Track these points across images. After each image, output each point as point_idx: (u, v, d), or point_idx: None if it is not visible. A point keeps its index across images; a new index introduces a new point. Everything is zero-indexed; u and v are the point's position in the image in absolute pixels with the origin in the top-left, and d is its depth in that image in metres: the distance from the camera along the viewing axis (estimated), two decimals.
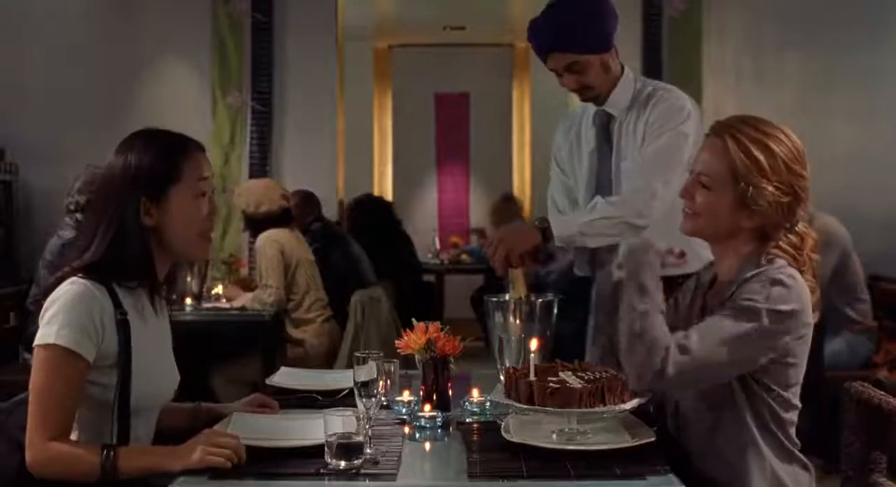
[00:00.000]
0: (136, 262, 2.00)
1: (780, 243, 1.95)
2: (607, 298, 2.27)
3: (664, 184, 2.57)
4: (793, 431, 1.95)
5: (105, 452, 1.84)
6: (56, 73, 5.99)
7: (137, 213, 1.98)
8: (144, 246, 2.00)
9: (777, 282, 1.86)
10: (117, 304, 1.96)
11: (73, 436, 1.95)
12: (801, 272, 1.93)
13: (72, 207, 4.51)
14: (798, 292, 1.87)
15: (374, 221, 6.09)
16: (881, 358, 4.41)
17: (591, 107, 2.83)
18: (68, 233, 4.42)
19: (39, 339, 1.91)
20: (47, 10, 6.03)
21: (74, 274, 1.96)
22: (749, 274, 1.90)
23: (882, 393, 1.91)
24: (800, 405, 1.95)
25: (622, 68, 2.77)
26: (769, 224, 1.93)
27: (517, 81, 9.90)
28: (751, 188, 1.90)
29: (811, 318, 1.91)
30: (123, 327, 1.95)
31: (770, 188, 1.89)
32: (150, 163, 1.99)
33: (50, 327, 1.90)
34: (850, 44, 5.81)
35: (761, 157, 1.90)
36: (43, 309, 1.94)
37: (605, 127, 2.80)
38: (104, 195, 2.03)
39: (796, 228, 1.96)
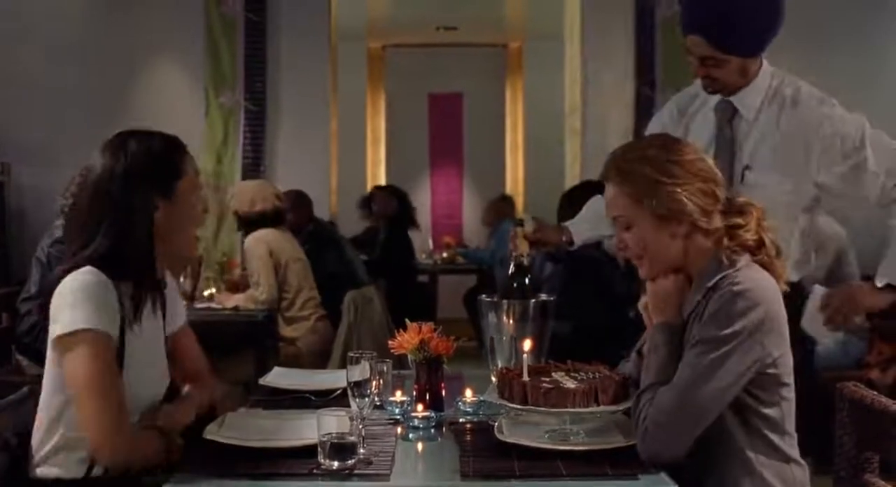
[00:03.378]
0: (141, 258, 1.99)
1: (734, 235, 1.92)
2: None
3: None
4: (788, 425, 1.93)
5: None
6: (48, 73, 5.96)
7: (149, 210, 1.98)
8: (150, 242, 2.00)
9: (736, 296, 1.83)
10: (120, 301, 1.95)
11: (61, 431, 1.92)
12: (760, 255, 1.91)
13: (66, 209, 4.50)
14: (758, 294, 1.84)
15: (396, 210, 6.58)
16: (873, 358, 4.41)
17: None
18: (60, 233, 4.41)
19: (67, 327, 1.86)
20: (40, 9, 6.01)
21: (80, 267, 1.93)
22: (711, 283, 1.87)
23: (874, 392, 1.92)
24: (791, 395, 1.93)
25: (760, 65, 2.59)
26: (697, 216, 1.90)
27: (510, 82, 9.92)
28: (654, 200, 1.90)
29: (780, 306, 1.89)
30: (122, 324, 1.94)
31: (669, 188, 1.89)
32: (156, 160, 2.00)
33: (75, 312, 1.87)
34: (846, 45, 5.79)
35: (644, 169, 1.90)
36: (57, 299, 1.90)
37: (727, 119, 2.59)
38: (104, 193, 1.97)
39: (734, 202, 1.94)
